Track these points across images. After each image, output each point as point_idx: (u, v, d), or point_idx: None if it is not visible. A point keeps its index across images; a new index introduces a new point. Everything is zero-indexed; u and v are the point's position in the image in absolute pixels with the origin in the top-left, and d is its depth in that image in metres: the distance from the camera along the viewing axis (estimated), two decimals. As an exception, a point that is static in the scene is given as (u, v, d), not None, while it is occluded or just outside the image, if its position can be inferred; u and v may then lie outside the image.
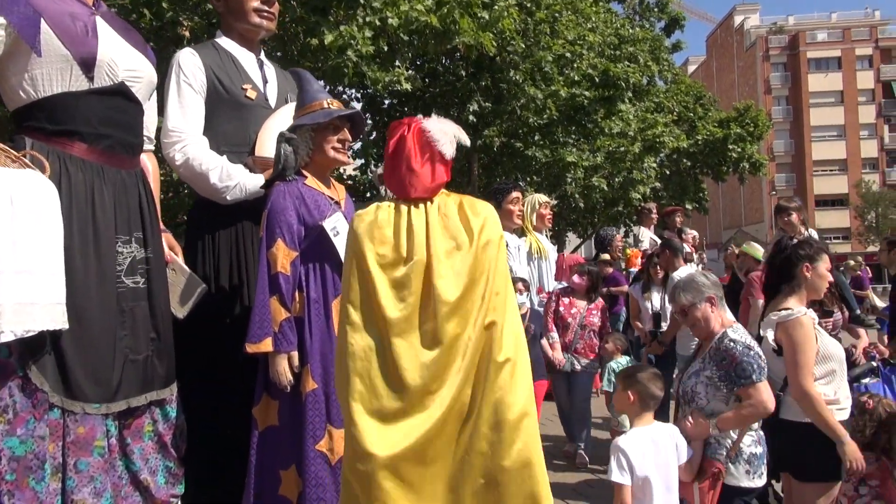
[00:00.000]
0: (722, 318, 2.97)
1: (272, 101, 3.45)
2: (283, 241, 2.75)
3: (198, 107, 3.26)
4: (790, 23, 58.45)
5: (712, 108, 25.12)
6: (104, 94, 2.59)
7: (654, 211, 9.81)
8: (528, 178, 14.04)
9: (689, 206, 22.16)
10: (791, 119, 56.61)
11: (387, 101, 15.33)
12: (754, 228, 54.95)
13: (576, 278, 5.37)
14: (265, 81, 3.49)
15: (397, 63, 6.65)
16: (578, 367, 5.22)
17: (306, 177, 2.91)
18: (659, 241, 9.27)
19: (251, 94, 3.40)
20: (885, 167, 54.86)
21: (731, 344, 2.81)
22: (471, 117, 12.28)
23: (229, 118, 3.32)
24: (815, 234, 5.54)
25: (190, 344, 3.07)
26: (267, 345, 2.69)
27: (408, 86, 6.82)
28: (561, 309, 5.37)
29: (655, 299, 5.57)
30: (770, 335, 2.92)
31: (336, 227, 2.84)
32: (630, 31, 16.85)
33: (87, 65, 2.53)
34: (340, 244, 2.83)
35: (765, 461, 2.86)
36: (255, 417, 2.82)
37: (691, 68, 62.48)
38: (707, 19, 67.65)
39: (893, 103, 54.56)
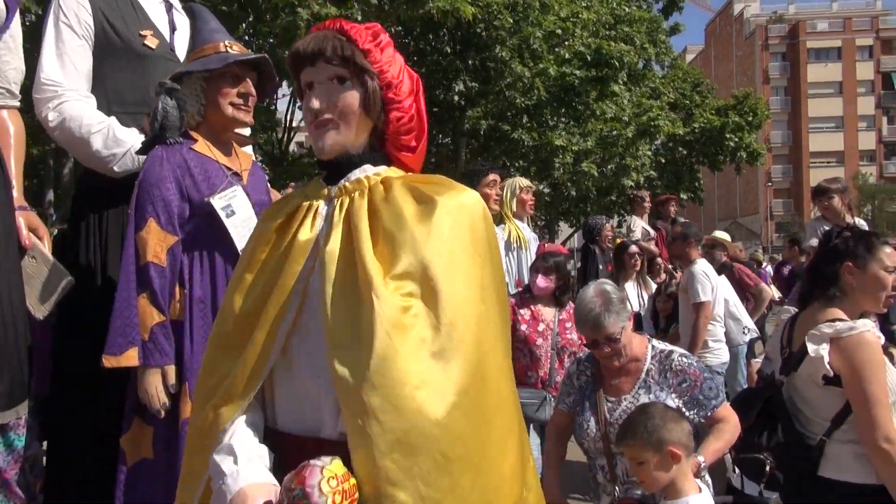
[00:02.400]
0: (637, 337, 2.41)
1: (180, 53, 2.81)
2: (156, 221, 2.11)
3: (81, 55, 2.64)
4: (790, 12, 57.67)
5: (710, 95, 24.47)
6: (-84, 29, 1.95)
7: (648, 199, 9.20)
8: (515, 164, 13.35)
9: (683, 196, 21.55)
10: (789, 110, 55.97)
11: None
12: (749, 220, 54.55)
13: (539, 280, 3.70)
14: (173, 29, 2.86)
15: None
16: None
17: (196, 140, 2.27)
18: (652, 232, 8.70)
19: (151, 41, 2.77)
20: (882, 160, 54.36)
21: (686, 360, 2.31)
22: (456, 97, 11.59)
23: (123, 71, 2.69)
24: (864, 224, 4.77)
25: (62, 352, 2.47)
26: (131, 357, 2.06)
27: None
28: (522, 327, 3.66)
29: (632, 297, 4.87)
30: (824, 354, 2.10)
31: (231, 204, 2.21)
32: (626, 10, 16.11)
33: None
34: (236, 227, 2.20)
35: None
36: (123, 449, 2.19)
37: (689, 57, 61.69)
38: (705, 8, 66.75)
39: (893, 95, 53.96)
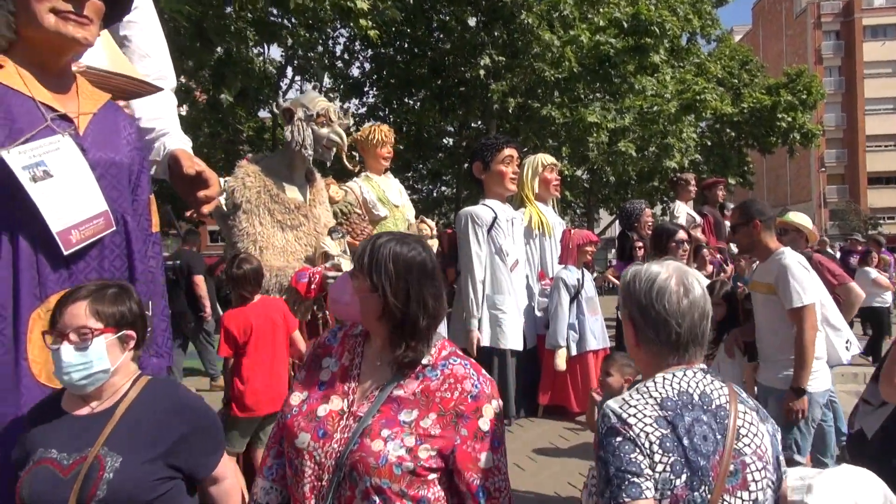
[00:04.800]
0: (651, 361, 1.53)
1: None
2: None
3: None
4: (845, -13, 54.67)
5: (759, 74, 22.96)
6: None
7: (693, 183, 8.25)
8: (546, 143, 12.34)
9: (731, 181, 20.20)
10: (843, 91, 53.08)
11: (398, 58, 13.86)
12: (801, 208, 52.00)
13: (335, 288, 1.68)
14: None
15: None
16: None
17: (0, 66, 1.51)
18: (698, 218, 7.73)
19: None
20: (945, 143, 51.23)
21: (607, 422, 1.42)
22: (482, 72, 10.68)
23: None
24: None
25: None
26: None
27: (364, 5, 5.38)
28: (294, 399, 1.60)
29: None
30: None
31: (44, 162, 1.43)
32: (670, -25, 14.79)
33: None
34: (50, 199, 1.43)
35: None
36: None
37: (736, 37, 59.27)
38: (754, -14, 63.86)
39: (956, 74, 50.75)
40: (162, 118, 2.38)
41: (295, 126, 3.21)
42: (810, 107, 21.61)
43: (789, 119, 20.17)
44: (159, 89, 2.34)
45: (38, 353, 1.44)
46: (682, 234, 3.47)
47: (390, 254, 1.49)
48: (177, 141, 2.31)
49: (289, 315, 3.40)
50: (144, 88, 2.28)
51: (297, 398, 1.57)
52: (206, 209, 2.23)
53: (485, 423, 1.47)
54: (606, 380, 2.91)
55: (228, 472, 1.70)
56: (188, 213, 2.25)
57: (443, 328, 3.84)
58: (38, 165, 1.43)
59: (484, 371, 1.55)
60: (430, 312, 1.50)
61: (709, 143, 19.67)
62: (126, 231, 1.63)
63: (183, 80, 10.92)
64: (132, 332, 1.54)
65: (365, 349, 1.60)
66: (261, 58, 10.17)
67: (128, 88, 2.25)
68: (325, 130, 3.25)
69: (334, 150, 3.36)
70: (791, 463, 2.55)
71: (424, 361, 1.52)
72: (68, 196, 1.47)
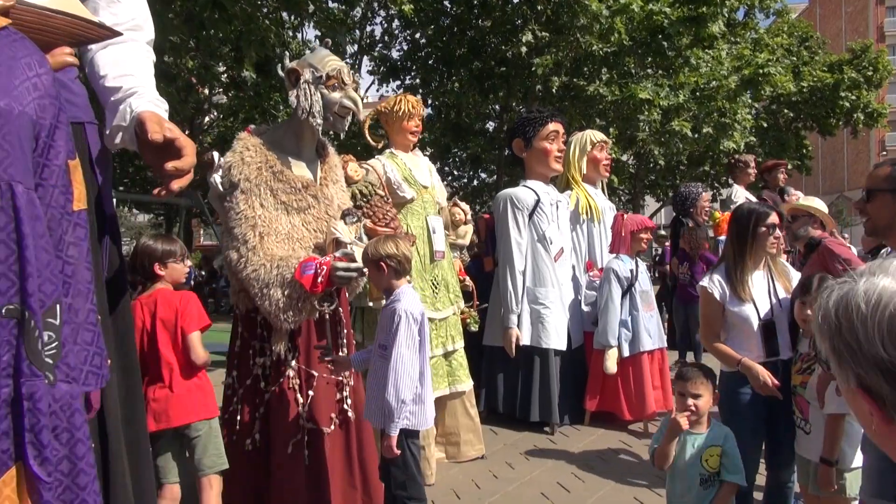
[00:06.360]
0: None
1: None
2: None
3: None
4: (910, -40, 51.77)
5: (820, 51, 21.71)
6: None
7: (752, 165, 7.75)
8: (593, 123, 11.63)
9: (788, 165, 19.21)
10: (907, 70, 50.52)
11: (437, 37, 13.37)
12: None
13: None
14: None
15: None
16: None
17: None
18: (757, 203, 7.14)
19: None
20: None
21: None
22: (524, 49, 10.06)
23: None
24: None
25: None
26: None
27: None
28: None
29: (762, 296, 2.77)
30: None
31: None
32: (726, -56, 13.83)
33: None
34: None
35: None
36: None
37: (792, 16, 56.84)
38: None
39: None
40: (131, 75, 1.93)
41: (301, 90, 2.74)
42: (876, 85, 20.35)
43: (853, 98, 18.97)
44: (117, 34, 1.87)
45: None
46: (774, 218, 2.73)
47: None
48: (146, 102, 1.85)
49: (185, 314, 2.72)
50: (95, 31, 1.82)
51: None
52: (175, 185, 1.77)
53: None
54: (697, 402, 2.36)
55: None
56: (155, 191, 1.79)
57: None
58: None
59: None
60: None
61: (764, 125, 18.64)
62: (15, 207, 1.16)
63: (222, 67, 10.60)
64: None
65: None
66: (288, 30, 9.79)
67: (75, 31, 1.80)
68: (336, 95, 2.77)
69: (348, 118, 2.88)
70: None
71: None
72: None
